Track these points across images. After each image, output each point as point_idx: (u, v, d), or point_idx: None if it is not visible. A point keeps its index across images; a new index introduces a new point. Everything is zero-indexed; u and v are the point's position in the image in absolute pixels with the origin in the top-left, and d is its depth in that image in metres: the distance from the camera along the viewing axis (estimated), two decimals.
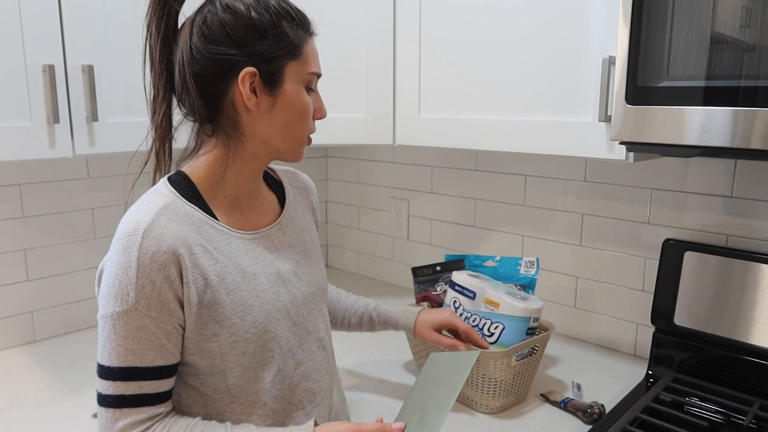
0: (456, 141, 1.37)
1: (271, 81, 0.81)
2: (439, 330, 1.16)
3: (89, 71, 1.20)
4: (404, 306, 1.22)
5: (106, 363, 0.76)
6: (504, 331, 1.20)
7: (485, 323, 1.23)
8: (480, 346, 1.15)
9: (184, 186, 0.83)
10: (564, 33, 1.16)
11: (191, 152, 0.87)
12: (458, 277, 1.32)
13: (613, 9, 1.08)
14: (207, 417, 0.84)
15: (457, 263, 1.43)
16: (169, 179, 0.84)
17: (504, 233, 1.70)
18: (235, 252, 0.84)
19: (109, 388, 0.76)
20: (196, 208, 0.82)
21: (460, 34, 1.33)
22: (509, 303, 1.20)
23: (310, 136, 0.90)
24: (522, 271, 1.35)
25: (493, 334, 1.21)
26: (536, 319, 1.23)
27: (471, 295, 1.28)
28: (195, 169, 0.85)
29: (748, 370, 1.21)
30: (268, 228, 0.91)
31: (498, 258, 1.37)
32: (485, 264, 1.38)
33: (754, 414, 1.12)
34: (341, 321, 1.20)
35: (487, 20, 1.28)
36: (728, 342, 1.22)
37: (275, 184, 0.99)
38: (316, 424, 0.82)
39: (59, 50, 1.16)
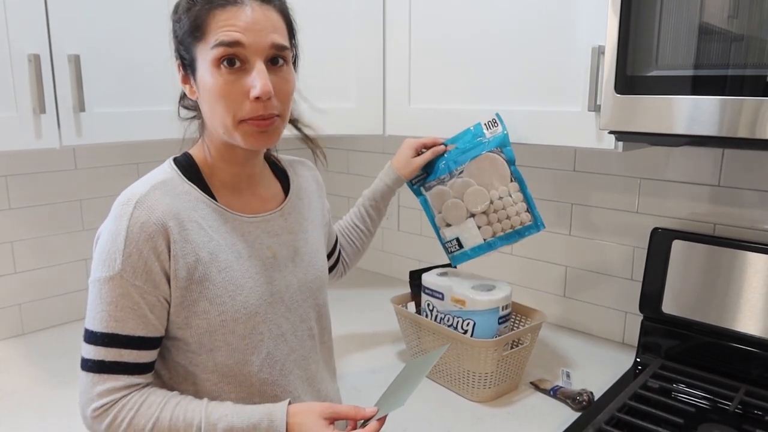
0: (446, 131, 1.36)
1: (191, 69, 0.83)
2: (415, 155, 1.27)
3: (76, 61, 1.18)
4: (379, 176, 1.28)
5: (90, 327, 0.79)
6: (476, 326, 1.21)
7: (457, 321, 1.24)
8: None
9: (187, 166, 0.86)
10: (553, 22, 1.16)
11: (199, 137, 0.91)
12: (427, 279, 1.33)
13: None
14: (195, 396, 0.84)
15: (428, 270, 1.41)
16: (175, 159, 0.88)
17: None
18: (231, 232, 0.85)
19: (91, 352, 0.78)
20: (195, 187, 0.85)
21: (450, 24, 1.33)
22: (473, 299, 1.21)
23: (252, 119, 0.79)
24: (488, 135, 1.24)
25: (466, 331, 1.22)
26: (506, 306, 1.24)
27: (439, 296, 1.29)
28: (196, 150, 0.89)
29: (734, 357, 1.22)
30: (269, 213, 0.92)
31: (451, 138, 1.28)
32: (449, 148, 1.27)
33: (740, 399, 1.14)
34: (361, 232, 1.27)
35: (476, 10, 1.28)
36: (715, 329, 1.24)
37: (280, 173, 1.00)
38: (290, 404, 0.82)
39: (45, 39, 1.15)
